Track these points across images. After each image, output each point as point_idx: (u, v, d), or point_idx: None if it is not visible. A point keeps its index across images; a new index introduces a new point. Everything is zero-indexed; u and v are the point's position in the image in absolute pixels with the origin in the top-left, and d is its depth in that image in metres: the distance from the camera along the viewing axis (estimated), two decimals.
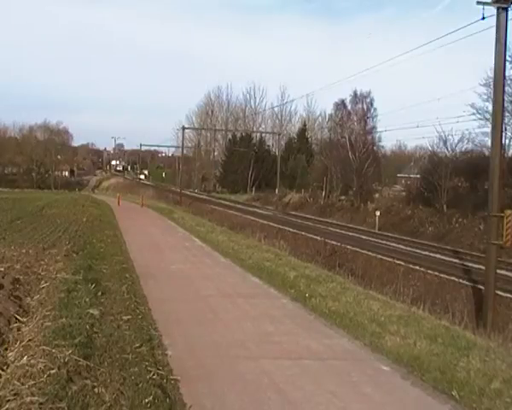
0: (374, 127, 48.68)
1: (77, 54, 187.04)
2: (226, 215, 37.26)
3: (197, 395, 5.00)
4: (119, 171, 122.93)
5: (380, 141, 50.35)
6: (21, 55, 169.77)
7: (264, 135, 74.38)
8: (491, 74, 17.10)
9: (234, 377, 5.56)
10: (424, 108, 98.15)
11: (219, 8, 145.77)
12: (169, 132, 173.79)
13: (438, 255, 22.62)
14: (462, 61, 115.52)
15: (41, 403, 4.16)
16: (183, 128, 57.38)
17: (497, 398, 5.12)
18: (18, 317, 6.91)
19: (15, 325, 6.59)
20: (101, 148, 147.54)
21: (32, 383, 4.51)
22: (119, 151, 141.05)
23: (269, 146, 74.84)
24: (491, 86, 18.48)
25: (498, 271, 14.88)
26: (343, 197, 47.53)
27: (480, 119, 32.31)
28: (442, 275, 18.13)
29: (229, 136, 75.01)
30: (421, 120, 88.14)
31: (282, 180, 54.78)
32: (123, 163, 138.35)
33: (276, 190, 53.12)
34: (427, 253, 23.25)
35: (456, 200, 32.93)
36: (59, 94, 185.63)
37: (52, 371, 4.77)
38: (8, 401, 4.19)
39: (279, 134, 64.65)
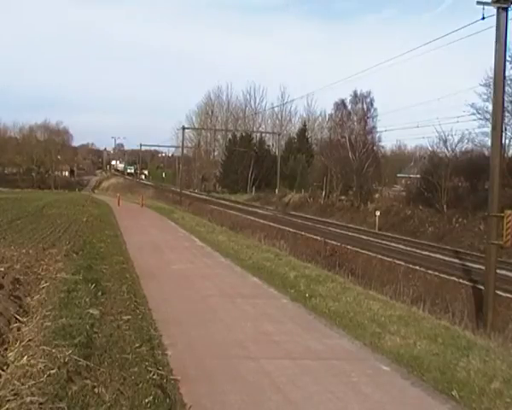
0: (374, 127, 48.73)
1: (77, 54, 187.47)
2: (226, 215, 37.23)
3: (197, 395, 4.99)
4: (130, 174, 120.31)
5: (380, 141, 50.38)
6: (21, 55, 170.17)
7: (264, 135, 74.36)
8: (491, 74, 17.12)
9: (234, 377, 5.55)
10: (424, 108, 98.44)
11: (219, 8, 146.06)
12: (169, 132, 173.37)
13: (438, 255, 22.61)
14: (462, 61, 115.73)
15: (41, 403, 4.16)
16: (183, 128, 57.36)
17: (497, 398, 5.11)
18: (18, 317, 6.90)
19: (15, 325, 6.58)
20: (101, 148, 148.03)
21: (32, 383, 4.50)
22: (119, 151, 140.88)
23: (269, 146, 74.75)
24: (491, 86, 18.49)
25: (498, 271, 14.87)
26: (343, 197, 47.49)
27: (480, 119, 32.31)
28: (442, 275, 18.12)
29: (229, 136, 74.96)
30: (421, 120, 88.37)
31: (282, 180, 54.74)
32: (127, 166, 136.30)
33: (276, 190, 53.08)
34: (427, 253, 23.24)
35: (456, 200, 32.90)
36: (59, 94, 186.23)
37: (52, 371, 4.77)
38: (8, 401, 4.18)
39: (279, 134, 64.69)
